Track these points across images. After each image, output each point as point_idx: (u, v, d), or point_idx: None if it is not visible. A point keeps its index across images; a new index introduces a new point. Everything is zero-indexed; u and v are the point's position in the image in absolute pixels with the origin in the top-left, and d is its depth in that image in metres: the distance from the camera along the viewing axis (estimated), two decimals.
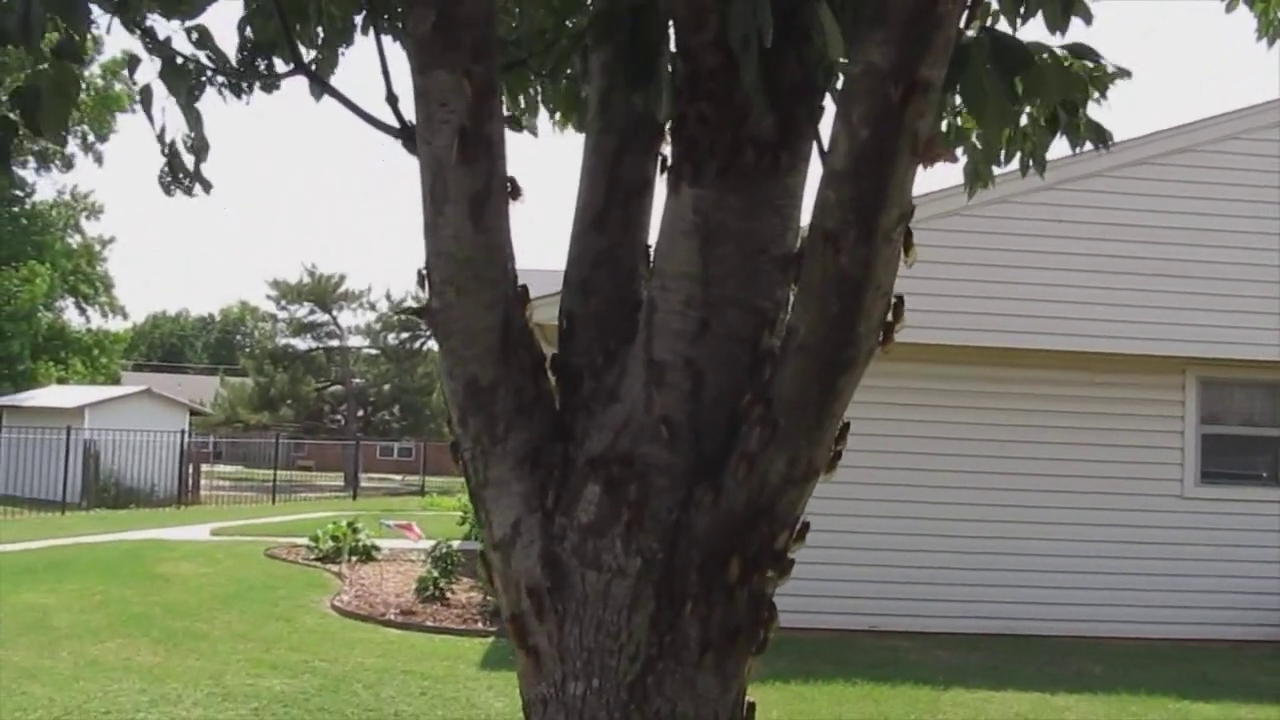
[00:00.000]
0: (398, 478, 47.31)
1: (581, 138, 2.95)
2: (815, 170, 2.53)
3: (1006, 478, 12.01)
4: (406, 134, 2.84)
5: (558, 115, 4.41)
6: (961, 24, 2.18)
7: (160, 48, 3.13)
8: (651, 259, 2.60)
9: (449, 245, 2.50)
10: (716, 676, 2.37)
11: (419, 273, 2.58)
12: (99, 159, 36.21)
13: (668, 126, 2.64)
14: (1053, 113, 4.09)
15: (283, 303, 52.45)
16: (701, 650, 2.36)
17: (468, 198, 2.48)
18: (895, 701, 9.60)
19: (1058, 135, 4.26)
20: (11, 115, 2.75)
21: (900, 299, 2.22)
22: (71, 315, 38.22)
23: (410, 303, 2.39)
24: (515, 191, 2.65)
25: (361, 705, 8.97)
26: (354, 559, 16.89)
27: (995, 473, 11.99)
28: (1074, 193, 11.74)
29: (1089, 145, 4.18)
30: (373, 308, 53.21)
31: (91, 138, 34.88)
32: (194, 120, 3.15)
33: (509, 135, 2.73)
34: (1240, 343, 11.76)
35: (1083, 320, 11.58)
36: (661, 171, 2.87)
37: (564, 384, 2.63)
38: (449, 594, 13.44)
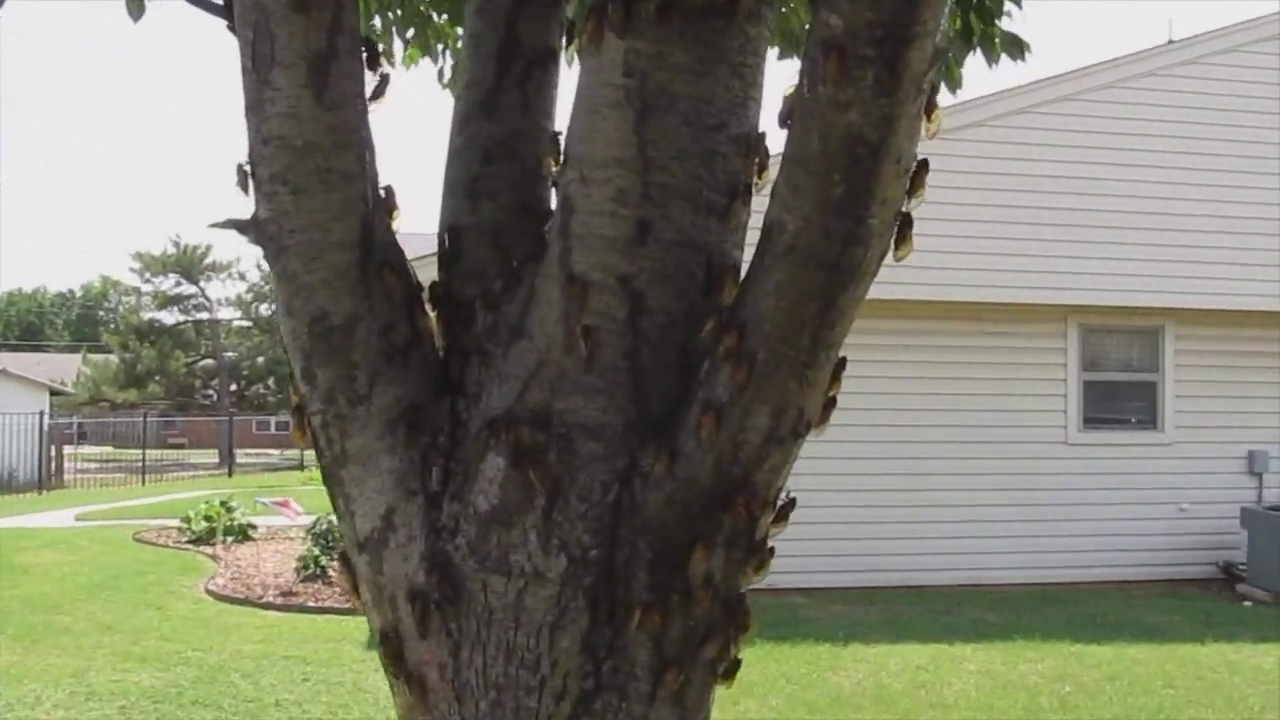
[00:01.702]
0: (275, 452, 45.31)
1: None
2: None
3: (897, 429, 11.65)
4: (230, 10, 2.04)
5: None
6: None
7: None
8: (563, 148, 1.86)
9: (280, 127, 1.72)
10: (675, 710, 1.68)
11: (239, 169, 1.80)
12: None
13: None
14: (965, 23, 3.57)
15: (146, 275, 49.61)
16: (655, 677, 1.66)
17: (305, 58, 1.71)
18: (796, 660, 9.20)
19: (973, 50, 3.79)
20: None
21: (923, 163, 1.53)
22: None
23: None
24: (373, 58, 1.87)
25: (240, 696, 8.15)
26: (229, 539, 15.76)
27: (886, 425, 11.61)
28: (956, 142, 11.35)
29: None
30: (243, 278, 50.61)
31: None
32: None
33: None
34: (1117, 290, 11.60)
35: (969, 270, 11.25)
36: (567, 44, 2.13)
37: (449, 319, 1.88)
38: (331, 571, 12.53)
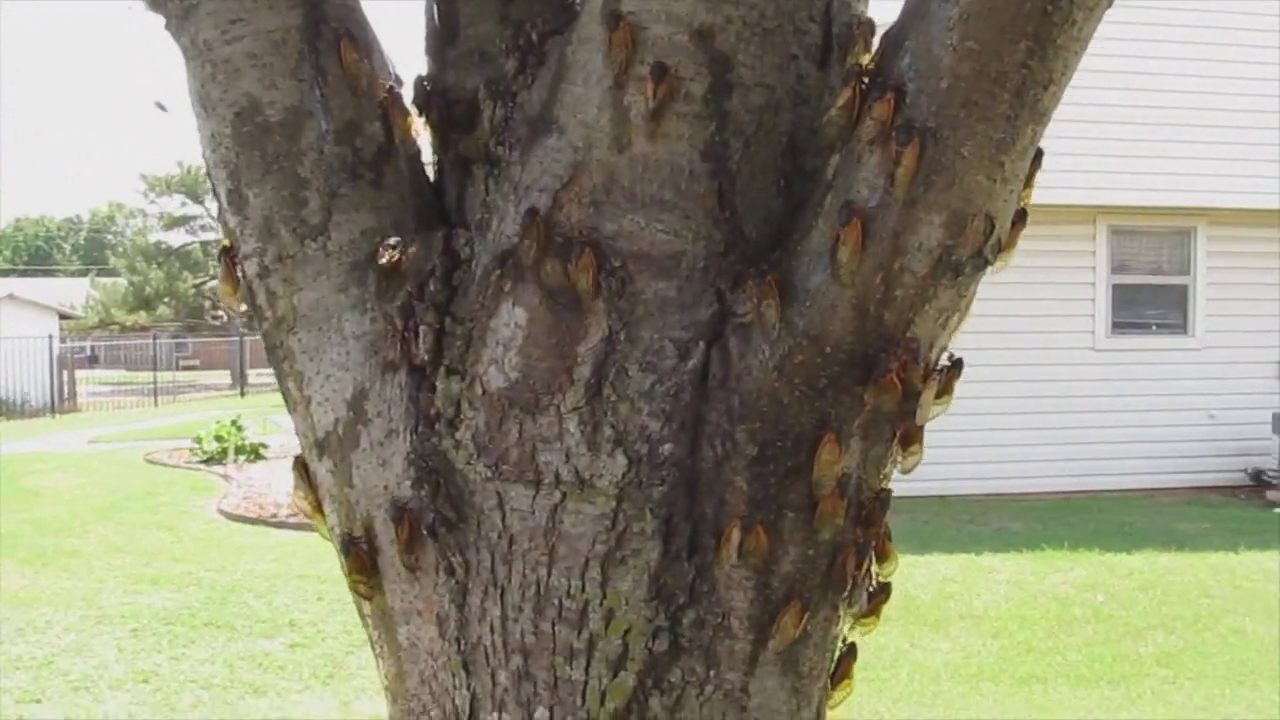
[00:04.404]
0: None
1: None
2: None
3: None
4: None
5: None
6: None
7: None
8: None
9: None
10: (786, 679, 1.10)
11: None
12: None
13: None
14: None
15: (152, 197, 48.63)
16: (758, 632, 1.09)
17: None
18: None
19: None
20: None
21: None
22: None
23: None
24: None
25: (253, 616, 7.84)
26: (241, 459, 15.40)
27: None
28: None
29: None
30: None
31: None
32: None
33: None
34: (1149, 189, 10.91)
35: None
36: None
37: (442, 122, 1.27)
38: None
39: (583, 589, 1.08)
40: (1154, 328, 11.71)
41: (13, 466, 16.37)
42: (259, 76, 1.16)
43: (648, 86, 1.05)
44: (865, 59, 1.08)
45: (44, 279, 58.27)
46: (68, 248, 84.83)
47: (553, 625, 1.08)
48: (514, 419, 1.09)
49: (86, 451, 18.66)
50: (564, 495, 1.08)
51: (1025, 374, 11.30)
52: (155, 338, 33.62)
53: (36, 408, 25.83)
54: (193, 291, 46.89)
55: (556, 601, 1.08)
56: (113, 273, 49.93)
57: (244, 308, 1.24)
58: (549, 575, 1.08)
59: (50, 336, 27.11)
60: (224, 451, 16.00)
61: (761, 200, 1.10)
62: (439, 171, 1.28)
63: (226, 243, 1.25)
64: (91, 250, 76.49)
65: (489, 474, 1.10)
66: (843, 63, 1.11)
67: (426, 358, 1.13)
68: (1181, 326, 11.62)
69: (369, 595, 1.20)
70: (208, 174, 1.26)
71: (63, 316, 31.68)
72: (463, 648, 1.12)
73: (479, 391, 1.10)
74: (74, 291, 48.15)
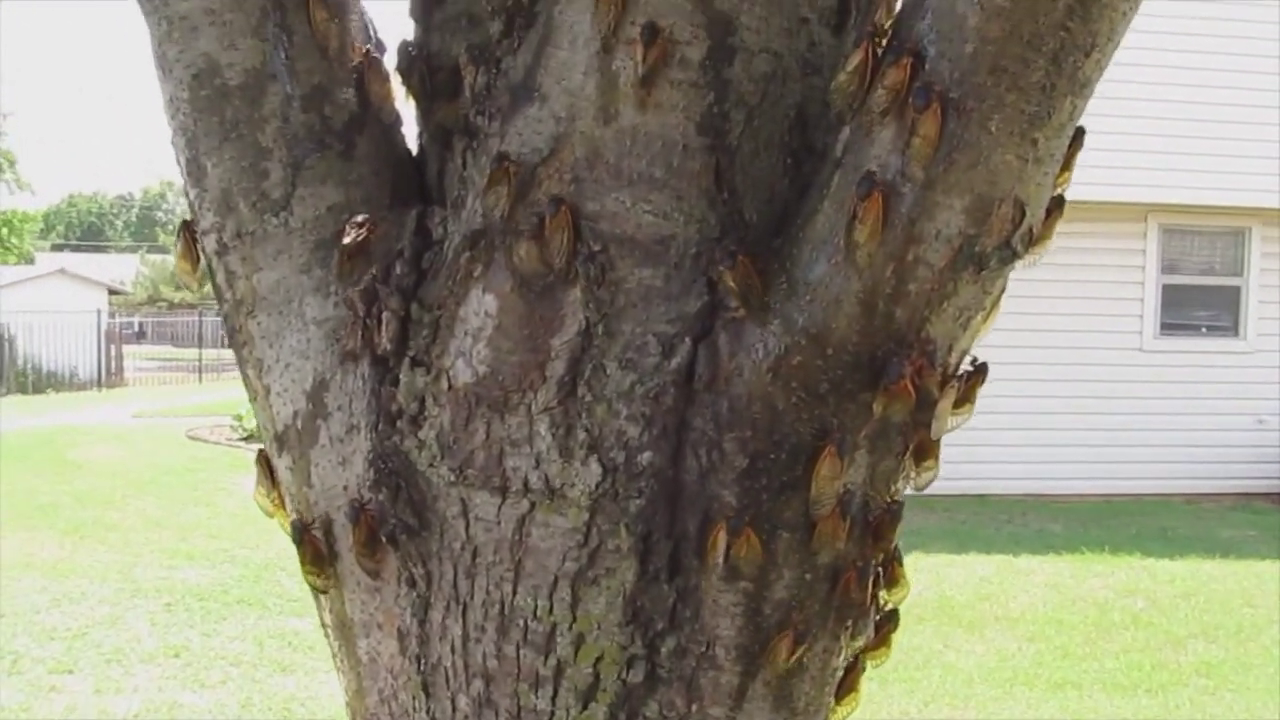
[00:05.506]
0: None
1: None
2: None
3: None
4: None
5: None
6: None
7: None
8: None
9: None
10: (777, 715, 0.98)
11: None
12: None
13: None
14: None
15: None
16: (744, 666, 0.96)
17: None
18: None
19: None
20: None
21: None
22: None
23: None
24: None
25: (285, 595, 7.86)
26: None
27: None
28: None
29: None
30: None
31: None
32: None
33: None
34: (1202, 187, 10.59)
35: None
36: None
37: (423, 90, 1.15)
38: None
39: (550, 610, 0.96)
40: (1204, 330, 11.40)
41: (57, 438, 16.61)
42: (218, 35, 1.05)
43: (637, 50, 0.93)
44: (889, 15, 0.96)
45: (95, 255, 59.22)
46: (119, 224, 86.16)
47: (517, 649, 0.97)
48: (481, 418, 0.97)
49: (130, 426, 18.90)
50: (532, 505, 0.96)
51: (1070, 373, 11.06)
52: (201, 315, 33.99)
53: (84, 381, 26.28)
54: None
55: (522, 623, 0.97)
56: (162, 250, 50.75)
57: (201, 286, 1.14)
58: (514, 593, 0.96)
59: (99, 311, 27.53)
60: None
61: (765, 180, 0.98)
62: (421, 145, 1.17)
63: (184, 219, 1.15)
64: (142, 227, 77.65)
65: (453, 478, 0.98)
66: (867, 22, 0.98)
67: (390, 347, 1.01)
68: (1232, 329, 11.31)
69: (324, 588, 1.10)
70: (171, 142, 1.16)
71: (112, 292, 32.13)
72: (423, 667, 1.01)
73: (445, 386, 0.99)
74: (124, 268, 48.93)
